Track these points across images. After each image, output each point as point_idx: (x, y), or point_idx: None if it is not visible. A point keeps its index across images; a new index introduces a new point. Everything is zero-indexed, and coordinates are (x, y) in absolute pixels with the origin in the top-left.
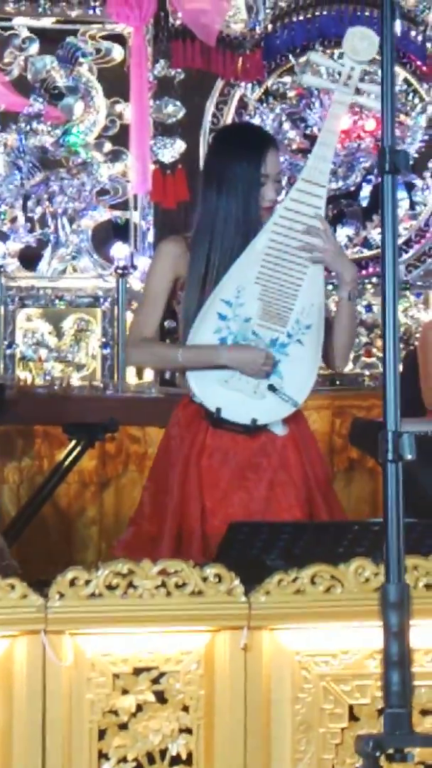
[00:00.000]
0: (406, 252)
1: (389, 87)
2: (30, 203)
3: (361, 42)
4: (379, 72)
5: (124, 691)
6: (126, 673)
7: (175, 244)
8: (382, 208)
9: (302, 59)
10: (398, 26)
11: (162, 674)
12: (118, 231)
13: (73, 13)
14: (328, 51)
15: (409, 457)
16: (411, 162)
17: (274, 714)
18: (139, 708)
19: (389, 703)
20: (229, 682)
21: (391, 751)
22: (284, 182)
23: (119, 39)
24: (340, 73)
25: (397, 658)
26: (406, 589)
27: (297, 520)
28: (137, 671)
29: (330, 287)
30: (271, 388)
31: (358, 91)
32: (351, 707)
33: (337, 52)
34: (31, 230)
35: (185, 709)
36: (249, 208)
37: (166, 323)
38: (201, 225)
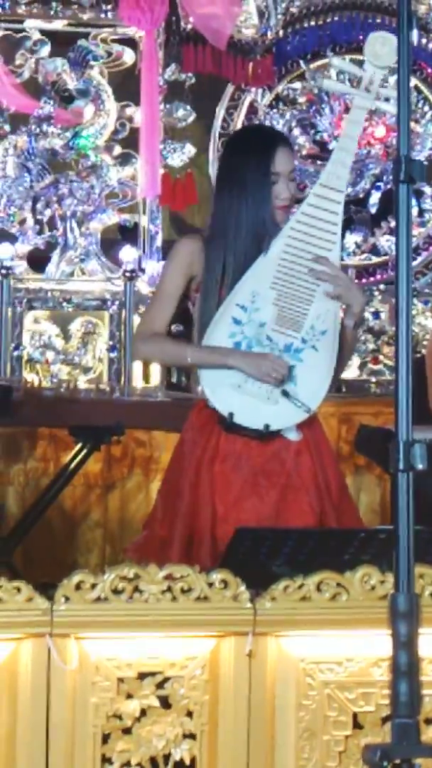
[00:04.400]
0: (414, 259)
1: (405, 96)
2: (39, 205)
3: (382, 47)
4: (392, 79)
5: (129, 696)
6: (130, 678)
7: (192, 242)
8: (396, 218)
9: (313, 65)
10: (415, 36)
11: (166, 679)
12: (126, 234)
13: (85, 16)
14: (340, 57)
15: (420, 467)
16: None
17: (278, 720)
18: (143, 713)
19: (397, 713)
20: (233, 688)
21: (398, 761)
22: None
23: (130, 42)
24: (350, 79)
25: (405, 668)
26: (416, 599)
27: (307, 526)
28: (142, 676)
29: None
30: (285, 393)
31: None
32: (355, 715)
33: (348, 57)
34: (40, 232)
35: (189, 714)
36: (260, 208)
37: (173, 327)
38: (215, 229)
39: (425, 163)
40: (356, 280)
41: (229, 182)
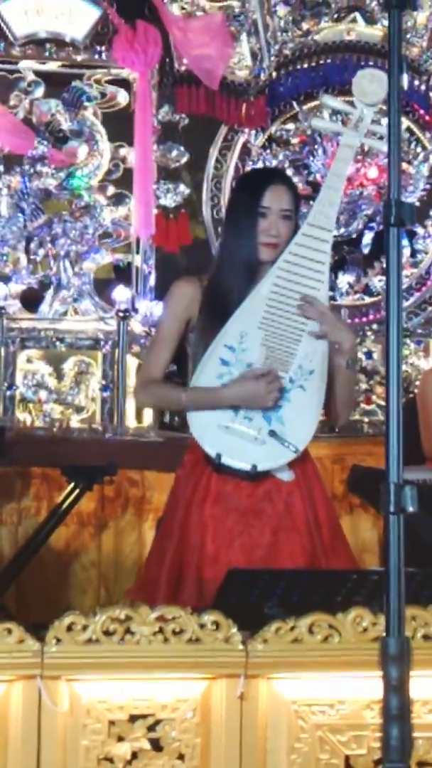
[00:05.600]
0: (407, 299)
1: (396, 139)
2: (33, 245)
3: (369, 84)
4: (384, 121)
5: (120, 738)
6: (122, 720)
7: (187, 284)
8: (387, 260)
9: (306, 106)
10: (405, 80)
11: (158, 722)
12: (120, 274)
13: (79, 58)
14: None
15: (411, 509)
16: None
17: (270, 763)
18: (135, 755)
19: (388, 758)
20: (225, 731)
21: None
22: None
23: (124, 84)
24: (342, 117)
25: (396, 712)
26: (407, 642)
27: (298, 567)
28: (133, 718)
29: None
30: (272, 433)
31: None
32: (347, 758)
33: (341, 99)
34: (34, 272)
35: (181, 757)
36: (247, 242)
37: None
38: (214, 266)
39: (417, 204)
40: (348, 320)
41: (225, 218)
